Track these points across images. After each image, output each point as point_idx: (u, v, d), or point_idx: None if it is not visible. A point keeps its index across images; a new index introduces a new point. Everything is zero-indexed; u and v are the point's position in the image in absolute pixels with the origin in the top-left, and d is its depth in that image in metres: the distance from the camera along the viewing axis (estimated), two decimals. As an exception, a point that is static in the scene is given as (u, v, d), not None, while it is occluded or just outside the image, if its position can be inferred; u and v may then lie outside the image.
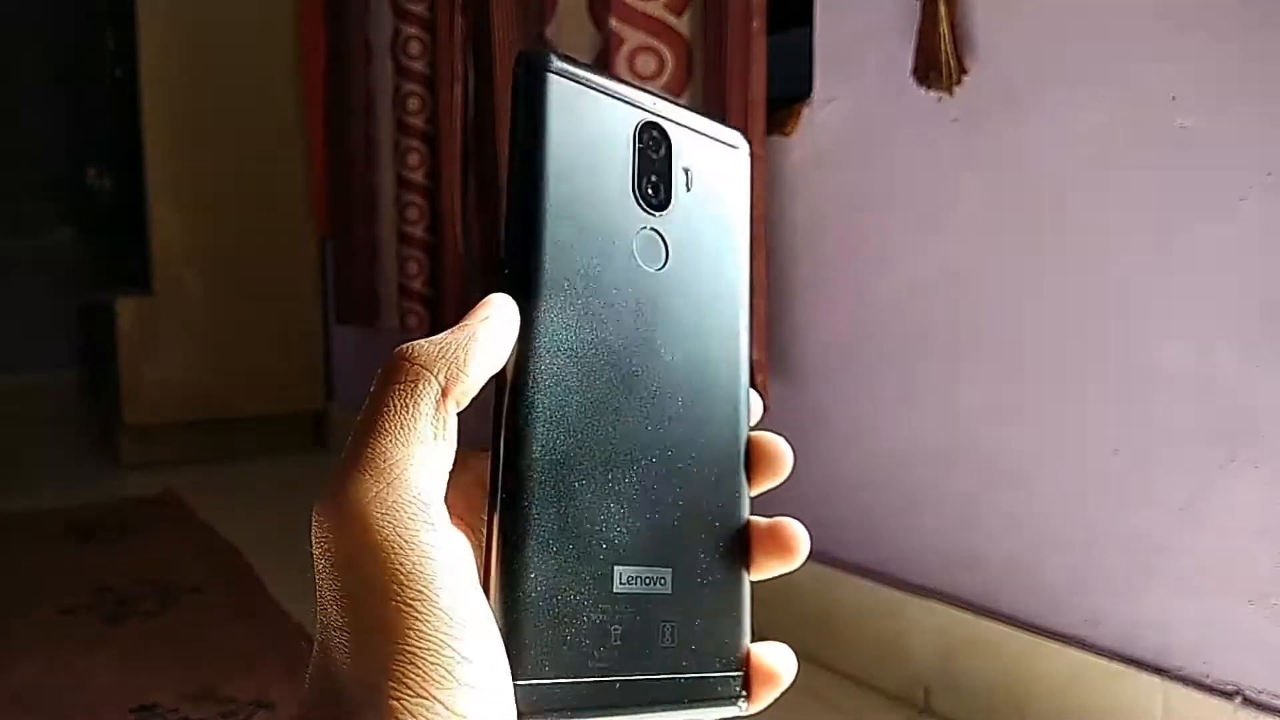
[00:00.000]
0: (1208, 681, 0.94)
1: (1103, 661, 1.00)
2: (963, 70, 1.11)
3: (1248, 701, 0.90)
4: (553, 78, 0.28)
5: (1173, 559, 0.96)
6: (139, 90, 2.42)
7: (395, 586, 0.25)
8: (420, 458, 0.26)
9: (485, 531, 0.27)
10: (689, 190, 0.32)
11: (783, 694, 0.32)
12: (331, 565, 0.26)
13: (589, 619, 0.28)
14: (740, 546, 0.34)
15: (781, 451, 0.34)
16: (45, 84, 3.42)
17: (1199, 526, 0.94)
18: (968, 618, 1.13)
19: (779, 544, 0.34)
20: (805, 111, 1.32)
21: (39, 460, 2.66)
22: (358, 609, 0.25)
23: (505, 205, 0.28)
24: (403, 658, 0.24)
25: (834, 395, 1.31)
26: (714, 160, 0.33)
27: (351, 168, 2.38)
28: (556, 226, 0.28)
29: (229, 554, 1.76)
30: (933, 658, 1.17)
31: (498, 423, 0.27)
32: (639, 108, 0.31)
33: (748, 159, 0.34)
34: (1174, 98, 0.94)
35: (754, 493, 0.34)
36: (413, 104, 2.07)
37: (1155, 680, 0.96)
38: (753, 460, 0.34)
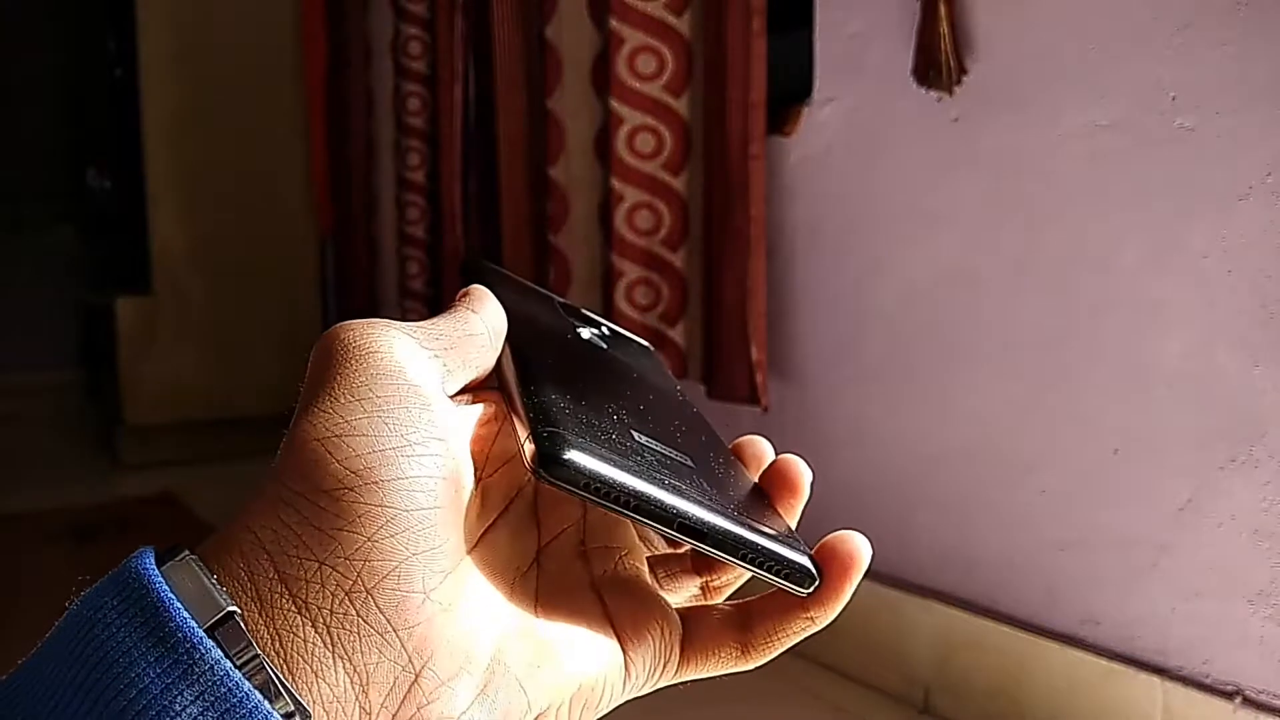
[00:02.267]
0: (1208, 681, 0.94)
1: (1102, 661, 1.00)
2: (963, 70, 1.11)
3: (1248, 701, 0.90)
4: (489, 266, 0.34)
5: (1173, 559, 0.96)
6: (139, 90, 2.42)
7: (340, 352, 0.26)
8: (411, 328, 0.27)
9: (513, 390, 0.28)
10: (610, 347, 0.36)
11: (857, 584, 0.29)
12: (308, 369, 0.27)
13: (619, 439, 0.27)
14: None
15: (800, 472, 0.32)
16: (45, 84, 3.42)
17: (1199, 526, 0.94)
18: (967, 618, 1.13)
19: (784, 481, 0.32)
20: (805, 111, 1.32)
21: (39, 460, 2.66)
22: (306, 386, 0.27)
23: None
24: (321, 389, 0.26)
25: (833, 395, 1.31)
26: (628, 341, 0.38)
27: (351, 168, 2.38)
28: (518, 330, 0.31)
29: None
30: (932, 658, 1.17)
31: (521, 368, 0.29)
32: (554, 296, 0.37)
33: (657, 355, 0.39)
34: (1174, 98, 0.94)
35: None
36: (413, 104, 2.07)
37: (1155, 680, 0.96)
38: (773, 483, 0.32)
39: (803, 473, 0.32)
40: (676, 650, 0.29)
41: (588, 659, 0.26)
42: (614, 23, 1.40)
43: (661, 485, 0.25)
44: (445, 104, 1.95)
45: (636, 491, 0.25)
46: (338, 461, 0.24)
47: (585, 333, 0.36)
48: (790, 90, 1.34)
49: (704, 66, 1.38)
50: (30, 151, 3.42)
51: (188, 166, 2.47)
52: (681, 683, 0.30)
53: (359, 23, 2.35)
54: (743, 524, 0.26)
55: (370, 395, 0.25)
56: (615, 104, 1.42)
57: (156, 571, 0.23)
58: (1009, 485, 1.11)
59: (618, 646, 0.27)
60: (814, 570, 0.28)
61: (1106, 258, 1.01)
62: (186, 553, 0.24)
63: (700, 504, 0.26)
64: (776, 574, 0.27)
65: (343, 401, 0.25)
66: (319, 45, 2.48)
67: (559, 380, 0.28)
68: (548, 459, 0.24)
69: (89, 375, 3.08)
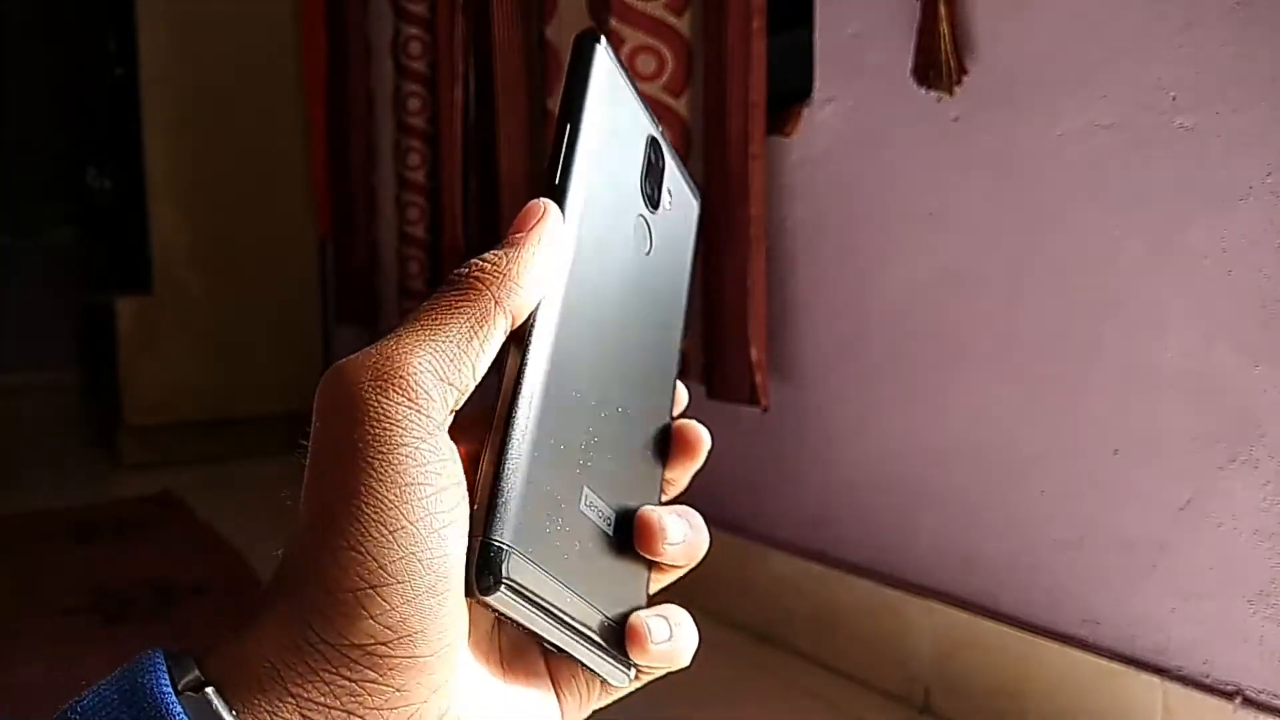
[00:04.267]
0: (1208, 681, 0.94)
1: (1102, 661, 1.00)
2: (963, 70, 1.11)
3: (1248, 701, 0.90)
4: (601, 49, 0.32)
5: (1173, 559, 0.96)
6: (139, 90, 2.42)
7: (360, 445, 0.24)
8: (432, 353, 0.26)
9: (494, 420, 0.27)
10: (668, 208, 0.36)
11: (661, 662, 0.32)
12: (317, 416, 0.26)
13: (562, 523, 0.28)
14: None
15: (700, 435, 0.34)
16: (45, 84, 3.42)
17: (1199, 526, 0.94)
18: (967, 618, 1.13)
19: (686, 443, 0.34)
20: (805, 111, 1.32)
21: (39, 460, 2.66)
22: (319, 457, 0.25)
23: (555, 136, 0.31)
24: (348, 509, 0.24)
25: (834, 395, 1.31)
26: (684, 195, 0.38)
27: (351, 168, 2.38)
28: (590, 169, 0.31)
29: (229, 554, 1.76)
30: (932, 658, 1.17)
31: (520, 346, 0.28)
32: (651, 120, 0.35)
33: (698, 212, 0.39)
34: (1174, 98, 0.94)
35: (676, 475, 0.35)
36: (413, 104, 2.07)
37: (1155, 680, 0.96)
38: (676, 443, 0.35)
39: (700, 438, 0.34)
40: (596, 685, 0.31)
41: (540, 715, 0.29)
42: (614, 22, 1.40)
43: (565, 622, 0.27)
44: (445, 104, 1.95)
45: (541, 630, 0.27)
46: (372, 618, 0.23)
47: (642, 218, 0.34)
48: (790, 90, 1.34)
49: (704, 66, 1.38)
50: (30, 151, 3.42)
51: (188, 166, 2.47)
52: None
53: (359, 23, 2.35)
54: (599, 643, 0.29)
55: (403, 525, 0.24)
56: (615, 104, 1.42)
57: (176, 702, 0.23)
58: (1009, 485, 1.11)
59: (554, 696, 0.30)
60: (622, 669, 0.31)
61: (1106, 258, 1.01)
62: (200, 678, 0.23)
63: (582, 637, 0.28)
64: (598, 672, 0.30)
65: (375, 537, 0.24)
66: (319, 45, 2.48)
67: (544, 416, 0.28)
68: (478, 587, 0.25)
69: (89, 375, 3.07)
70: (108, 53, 2.76)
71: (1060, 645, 1.04)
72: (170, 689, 0.23)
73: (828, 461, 1.32)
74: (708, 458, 0.35)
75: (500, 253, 0.28)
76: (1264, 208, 0.88)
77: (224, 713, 0.23)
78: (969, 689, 1.13)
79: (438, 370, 0.25)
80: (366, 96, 2.34)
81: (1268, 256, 0.88)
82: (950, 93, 1.13)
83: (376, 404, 0.24)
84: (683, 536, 0.31)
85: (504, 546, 0.25)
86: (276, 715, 0.23)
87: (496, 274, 0.27)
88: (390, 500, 0.24)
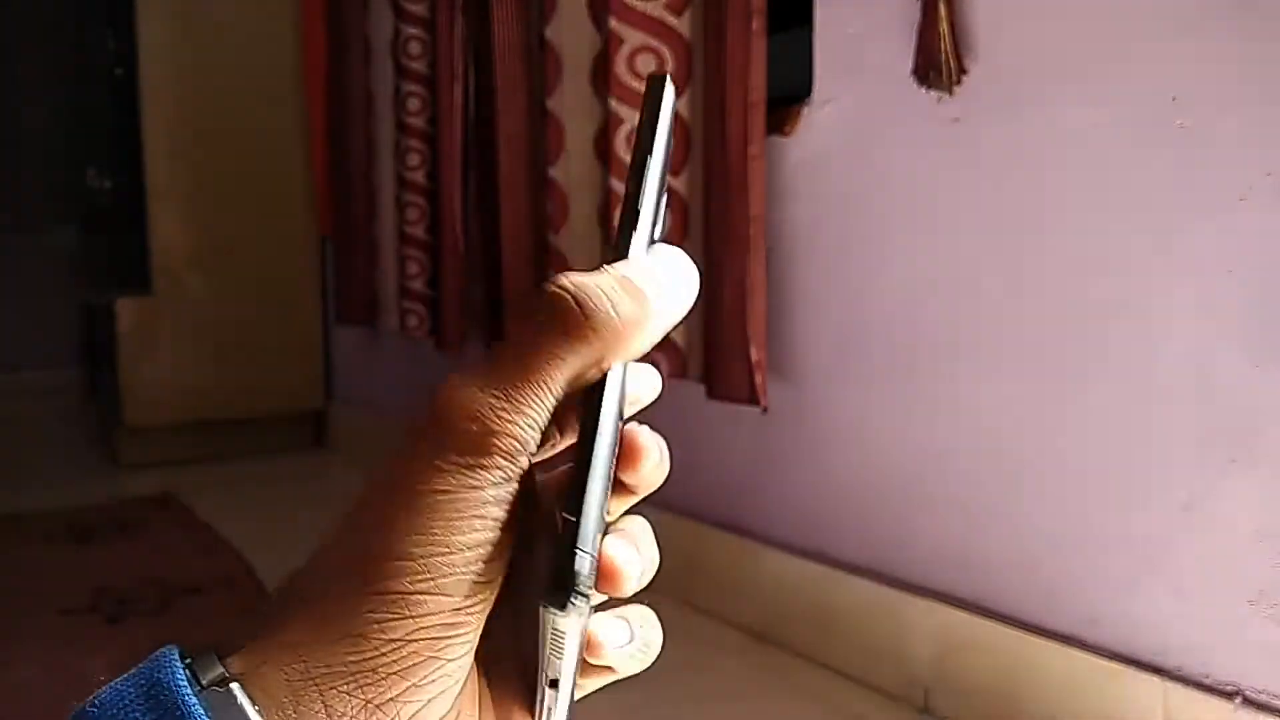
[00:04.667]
0: (1208, 681, 0.94)
1: (1102, 661, 1.00)
2: (963, 70, 1.11)
3: (1248, 701, 0.90)
4: (669, 89, 0.33)
5: (1173, 559, 0.96)
6: (139, 90, 2.42)
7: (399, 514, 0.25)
8: (518, 406, 0.26)
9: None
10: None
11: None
12: (407, 432, 0.27)
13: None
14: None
15: (645, 443, 0.30)
16: (45, 84, 3.42)
17: (1199, 526, 0.94)
18: (967, 618, 1.13)
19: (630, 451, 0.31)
20: (805, 111, 1.32)
21: (39, 460, 2.66)
22: (396, 469, 0.26)
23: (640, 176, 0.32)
24: (413, 517, 0.25)
25: (833, 395, 1.31)
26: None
27: (351, 168, 2.38)
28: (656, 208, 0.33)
29: (229, 554, 1.76)
30: (932, 658, 1.17)
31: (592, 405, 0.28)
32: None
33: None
34: (1174, 98, 0.94)
35: (633, 485, 0.31)
36: (413, 104, 2.07)
37: (1155, 680, 0.96)
38: (623, 451, 0.31)
39: (647, 445, 0.30)
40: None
41: None
42: (614, 23, 1.40)
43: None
44: (445, 104, 1.95)
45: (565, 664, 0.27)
46: (414, 618, 0.25)
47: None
48: (790, 90, 1.34)
49: (703, 66, 1.38)
50: (30, 151, 3.42)
51: (188, 166, 2.47)
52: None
53: (359, 23, 2.35)
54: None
55: (460, 541, 0.25)
56: (615, 104, 1.42)
57: (193, 697, 0.23)
58: (1009, 485, 1.11)
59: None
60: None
61: (1106, 258, 1.01)
62: (224, 673, 0.24)
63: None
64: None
65: (434, 549, 0.25)
66: (319, 45, 2.48)
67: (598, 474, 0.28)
68: (558, 603, 0.26)
69: (89, 375, 3.07)
70: (108, 53, 2.76)
71: (1060, 645, 1.04)
72: (187, 684, 0.23)
73: (827, 461, 1.32)
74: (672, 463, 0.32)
75: (636, 305, 0.29)
76: (1264, 208, 0.88)
77: (248, 708, 0.23)
78: (969, 689, 1.13)
79: (528, 405, 0.27)
80: (366, 96, 2.34)
81: (1268, 256, 0.88)
82: (950, 93, 1.13)
83: (465, 436, 0.26)
84: (639, 570, 0.29)
85: (585, 563, 0.26)
86: (300, 706, 0.24)
87: (619, 327, 0.28)
88: (452, 526, 0.25)
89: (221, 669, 0.24)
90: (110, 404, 2.54)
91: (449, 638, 0.25)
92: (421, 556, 0.25)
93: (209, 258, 2.51)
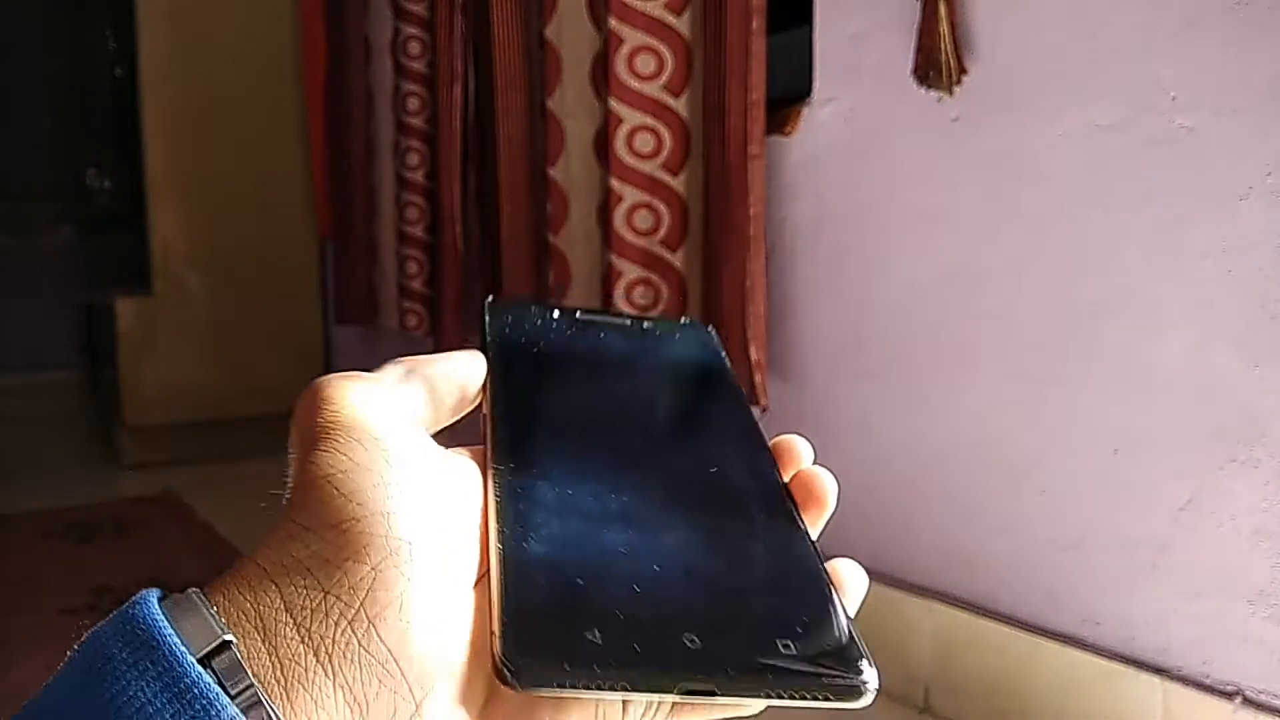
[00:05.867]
0: (1208, 681, 0.94)
1: (1102, 661, 1.00)
2: (963, 70, 1.11)
3: (1248, 701, 0.90)
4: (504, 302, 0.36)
5: (1173, 559, 0.96)
6: (139, 90, 2.42)
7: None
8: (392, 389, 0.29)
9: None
10: (638, 354, 0.37)
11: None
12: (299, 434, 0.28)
13: (593, 597, 0.25)
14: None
15: (826, 486, 0.33)
16: (45, 84, 3.41)
17: (1199, 526, 0.94)
18: (967, 618, 1.13)
19: (809, 494, 0.32)
20: (805, 111, 1.32)
21: (39, 460, 2.66)
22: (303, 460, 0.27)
23: None
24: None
25: (834, 395, 1.31)
26: (664, 333, 0.38)
27: (351, 168, 2.38)
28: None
29: (229, 554, 1.75)
30: (932, 658, 1.17)
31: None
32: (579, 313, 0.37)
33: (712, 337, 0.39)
34: (1174, 98, 0.94)
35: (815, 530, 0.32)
36: (413, 104, 2.07)
37: (1155, 680, 0.96)
38: (800, 497, 0.32)
39: (828, 487, 0.33)
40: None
41: None
42: (613, 22, 1.40)
43: (644, 655, 0.23)
44: (445, 104, 1.95)
45: (621, 680, 0.23)
46: (343, 495, 0.25)
47: (599, 353, 0.35)
48: (790, 90, 1.34)
49: (703, 66, 1.38)
50: (30, 151, 3.42)
51: (188, 166, 2.47)
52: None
53: (359, 23, 2.35)
54: (754, 651, 0.24)
55: (370, 436, 0.26)
56: (614, 104, 1.42)
57: (157, 606, 0.24)
58: (1009, 485, 1.11)
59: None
60: (862, 680, 0.26)
61: (1106, 258, 1.01)
62: (192, 591, 0.25)
63: (697, 661, 0.24)
64: (814, 699, 0.25)
65: (343, 441, 0.26)
66: (319, 45, 2.48)
67: (541, 475, 0.28)
68: (508, 675, 0.23)
69: (89, 375, 3.07)
70: (108, 53, 2.76)
71: (1060, 645, 1.04)
72: (155, 600, 0.24)
73: (827, 461, 1.31)
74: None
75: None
76: (1264, 208, 0.88)
77: (201, 605, 0.24)
78: (969, 689, 1.13)
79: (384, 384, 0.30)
80: (366, 96, 2.34)
81: (1268, 256, 0.88)
82: (950, 93, 1.13)
83: (337, 386, 0.28)
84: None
85: (510, 662, 0.23)
86: (260, 602, 0.24)
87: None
88: (357, 425, 0.27)
89: (190, 590, 0.24)
90: (110, 404, 2.54)
91: (398, 511, 0.24)
92: (337, 445, 0.26)
93: (209, 258, 2.51)
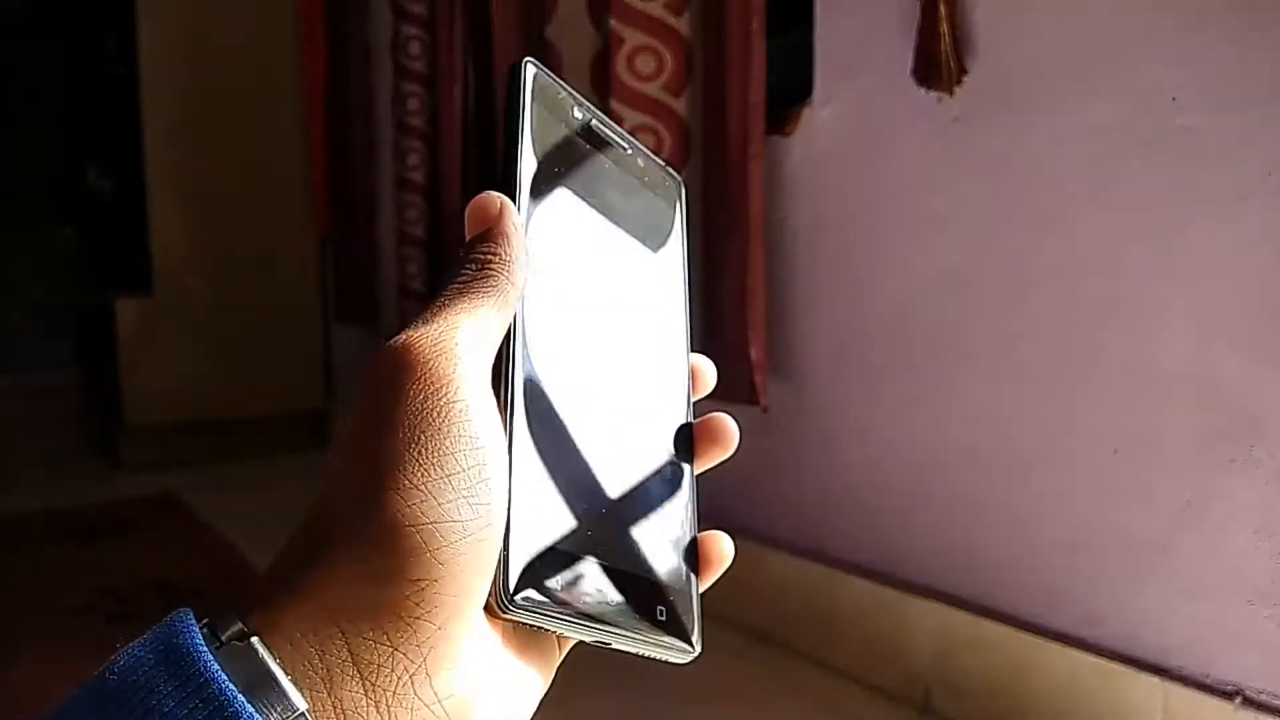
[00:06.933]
0: (1208, 681, 0.94)
1: (1103, 661, 1.00)
2: (963, 70, 1.11)
3: (1248, 701, 0.91)
4: (531, 72, 0.33)
5: (1173, 559, 0.96)
6: (139, 90, 2.42)
7: (420, 401, 0.26)
8: (473, 328, 0.28)
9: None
10: (636, 196, 0.37)
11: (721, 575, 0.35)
12: (370, 385, 0.27)
13: (579, 530, 0.29)
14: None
15: (729, 428, 0.36)
16: (45, 83, 3.42)
17: (1199, 526, 0.94)
18: (968, 618, 1.13)
19: (714, 436, 0.36)
20: (805, 112, 1.32)
21: (39, 460, 2.66)
22: (373, 415, 0.26)
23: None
24: (409, 454, 0.25)
25: (834, 395, 1.31)
26: (657, 179, 0.38)
27: (351, 168, 2.38)
28: (531, 171, 0.32)
29: (229, 554, 1.76)
30: (933, 658, 1.17)
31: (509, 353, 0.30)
32: (592, 113, 0.36)
33: (681, 193, 0.39)
34: (1174, 98, 0.94)
35: (702, 469, 0.36)
36: (413, 104, 2.07)
37: (1155, 680, 0.96)
38: (701, 436, 0.36)
39: (729, 429, 0.36)
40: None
41: (541, 684, 0.30)
42: (613, 23, 1.40)
43: (591, 617, 0.28)
44: (445, 104, 1.95)
45: (579, 625, 0.28)
46: (431, 552, 0.24)
47: (609, 212, 0.35)
48: (790, 90, 1.34)
49: (703, 67, 1.38)
50: (30, 151, 3.42)
51: (188, 166, 2.47)
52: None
53: (359, 23, 2.35)
54: (646, 615, 0.30)
55: (459, 468, 0.25)
56: (615, 104, 1.42)
57: (214, 660, 0.23)
58: (1009, 485, 1.11)
59: (550, 666, 0.30)
60: (692, 646, 0.32)
61: (1107, 258, 1.01)
62: (244, 629, 0.23)
63: (615, 618, 0.29)
64: (654, 656, 0.31)
65: (434, 478, 0.25)
66: (319, 45, 2.48)
67: (544, 438, 0.29)
68: (504, 604, 0.26)
69: (89, 375, 3.07)
70: (108, 53, 2.76)
71: (1060, 645, 1.04)
72: (204, 643, 0.23)
73: (827, 461, 1.32)
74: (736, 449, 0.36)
75: (494, 245, 0.30)
76: (1264, 208, 0.88)
77: (270, 662, 0.23)
78: (969, 689, 1.13)
79: (480, 343, 0.28)
80: (366, 96, 2.34)
81: (1268, 257, 0.88)
82: (950, 93, 1.13)
83: (434, 368, 0.26)
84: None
85: (515, 574, 0.27)
86: (327, 651, 0.24)
87: (503, 262, 0.29)
88: (446, 448, 0.25)
89: (240, 625, 0.23)
90: (110, 404, 2.54)
91: (468, 570, 0.25)
92: (421, 483, 0.25)
93: (209, 258, 2.51)
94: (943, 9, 1.10)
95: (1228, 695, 0.92)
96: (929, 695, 1.17)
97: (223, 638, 0.23)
